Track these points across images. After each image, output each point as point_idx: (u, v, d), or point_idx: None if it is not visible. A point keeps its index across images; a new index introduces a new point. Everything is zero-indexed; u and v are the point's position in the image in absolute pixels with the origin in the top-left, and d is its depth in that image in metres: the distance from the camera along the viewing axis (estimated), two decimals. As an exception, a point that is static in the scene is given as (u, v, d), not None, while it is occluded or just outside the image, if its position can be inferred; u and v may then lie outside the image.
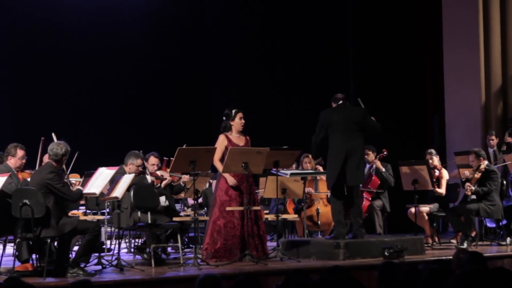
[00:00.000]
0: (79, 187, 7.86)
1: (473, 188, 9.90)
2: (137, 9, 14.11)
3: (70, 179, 8.53)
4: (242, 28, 14.33)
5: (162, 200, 9.24)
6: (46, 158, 9.04)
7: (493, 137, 11.81)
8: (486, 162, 10.19)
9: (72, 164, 9.06)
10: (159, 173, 9.22)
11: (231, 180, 8.60)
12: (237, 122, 8.78)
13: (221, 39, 14.38)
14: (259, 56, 14.19)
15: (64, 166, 7.96)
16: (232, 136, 8.77)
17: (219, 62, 14.51)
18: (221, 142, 8.69)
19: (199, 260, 8.05)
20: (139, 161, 8.94)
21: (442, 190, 10.53)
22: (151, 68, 14.15)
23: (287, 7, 14.10)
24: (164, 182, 9.15)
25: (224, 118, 8.86)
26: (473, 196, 10.06)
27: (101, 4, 13.87)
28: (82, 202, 9.64)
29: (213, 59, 14.55)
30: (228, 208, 8.55)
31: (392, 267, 4.66)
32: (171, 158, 9.14)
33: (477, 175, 10.00)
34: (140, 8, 14.14)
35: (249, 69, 14.14)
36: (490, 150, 11.59)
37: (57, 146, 7.52)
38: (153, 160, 9.28)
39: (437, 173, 10.56)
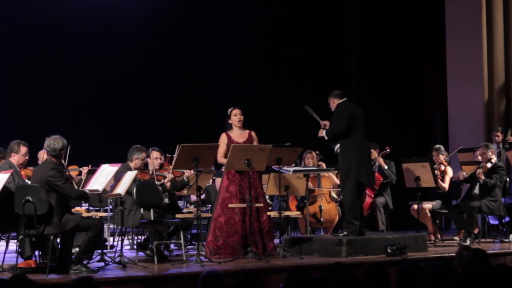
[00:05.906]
0: (84, 189, 7.82)
1: (483, 177, 9.89)
2: (139, 7, 14.10)
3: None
4: (243, 25, 14.30)
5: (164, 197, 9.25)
6: (41, 154, 9.04)
7: (499, 134, 11.81)
8: (495, 158, 10.19)
9: (67, 158, 9.03)
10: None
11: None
12: (233, 119, 8.92)
13: (222, 37, 14.36)
14: (261, 54, 14.17)
15: (63, 161, 7.94)
16: (233, 134, 8.89)
17: (220, 60, 14.49)
18: (222, 140, 8.87)
19: (201, 257, 8.06)
20: (143, 155, 8.98)
21: (446, 185, 10.52)
22: (152, 65, 14.14)
23: (288, 4, 14.07)
24: (166, 180, 9.17)
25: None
26: (476, 191, 10.06)
27: (102, 1, 13.86)
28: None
29: (215, 57, 14.53)
30: (230, 205, 8.57)
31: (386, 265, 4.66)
32: (174, 155, 9.16)
33: (488, 165, 9.99)
34: (141, 6, 14.13)
35: (251, 66, 14.12)
36: (495, 146, 11.56)
37: (53, 141, 7.48)
38: (155, 154, 9.34)
39: (442, 167, 10.55)
